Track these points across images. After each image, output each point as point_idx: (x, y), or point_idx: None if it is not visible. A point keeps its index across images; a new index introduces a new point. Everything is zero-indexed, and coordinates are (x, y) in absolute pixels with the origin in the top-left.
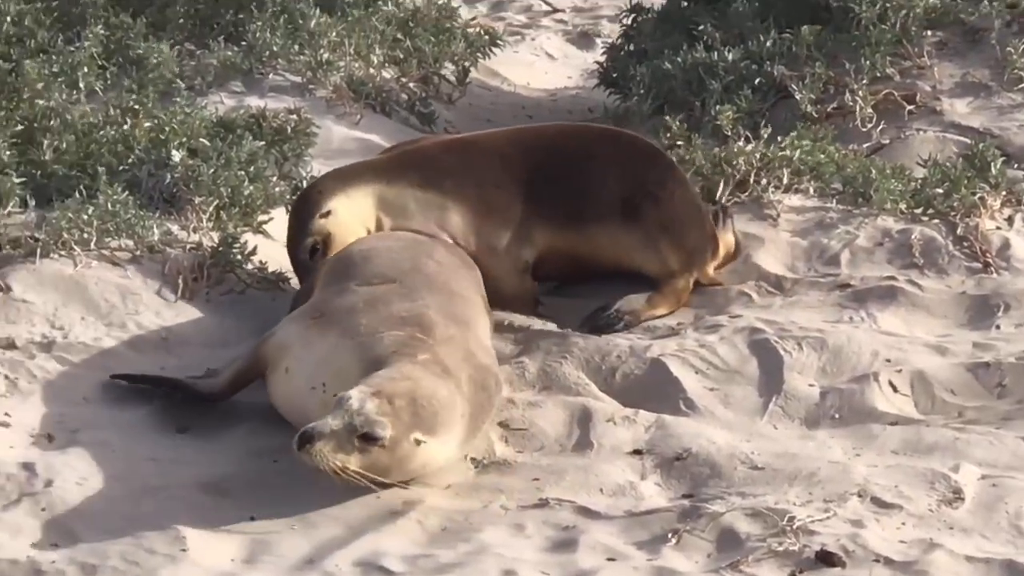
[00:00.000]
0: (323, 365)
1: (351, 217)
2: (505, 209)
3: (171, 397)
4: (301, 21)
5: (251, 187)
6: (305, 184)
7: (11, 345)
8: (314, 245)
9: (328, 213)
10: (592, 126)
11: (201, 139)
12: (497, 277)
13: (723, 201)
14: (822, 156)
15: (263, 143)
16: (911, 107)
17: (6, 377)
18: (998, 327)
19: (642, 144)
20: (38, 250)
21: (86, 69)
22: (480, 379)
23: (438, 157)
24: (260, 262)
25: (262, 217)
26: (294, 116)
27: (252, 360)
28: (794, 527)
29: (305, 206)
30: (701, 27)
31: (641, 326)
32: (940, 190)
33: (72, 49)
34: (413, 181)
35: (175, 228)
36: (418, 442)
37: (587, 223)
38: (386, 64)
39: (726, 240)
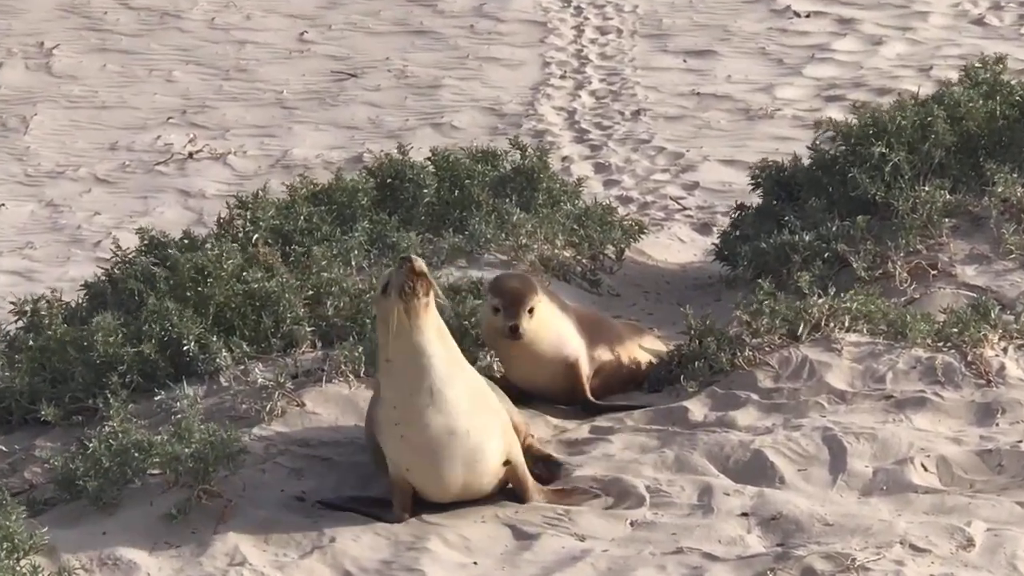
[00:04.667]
0: None
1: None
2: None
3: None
4: (506, 217)
5: (474, 331)
6: None
7: (306, 443)
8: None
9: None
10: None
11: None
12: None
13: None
14: (872, 307)
15: (480, 302)
16: (934, 272)
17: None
18: (997, 424)
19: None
20: (324, 377)
21: (356, 252)
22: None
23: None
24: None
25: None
26: None
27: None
28: (855, 566)
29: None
30: (786, 218)
31: (742, 426)
32: (955, 329)
33: (346, 238)
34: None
35: None
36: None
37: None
38: (566, 246)
39: None
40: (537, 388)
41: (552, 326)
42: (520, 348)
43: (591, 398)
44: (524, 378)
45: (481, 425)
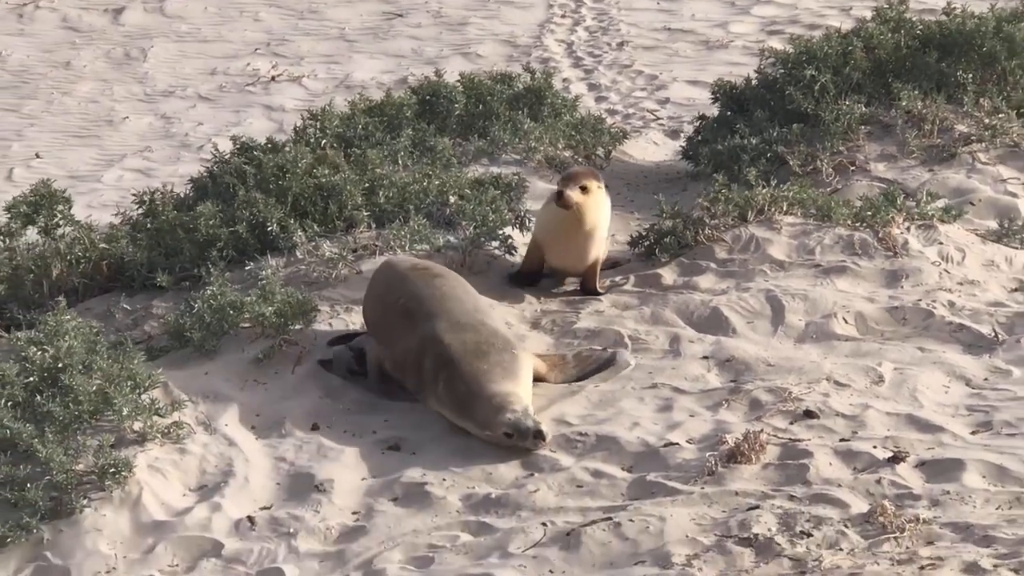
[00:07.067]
0: None
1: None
2: None
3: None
4: (519, 125)
5: (493, 215)
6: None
7: (357, 302)
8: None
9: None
10: None
11: (465, 190)
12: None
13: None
14: (805, 195)
15: (499, 191)
16: (853, 168)
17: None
18: (902, 287)
19: None
20: (377, 251)
21: (402, 153)
22: None
23: None
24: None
25: (500, 232)
26: (516, 176)
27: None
28: (791, 397)
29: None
30: (738, 126)
31: (703, 288)
32: (869, 213)
33: (395, 142)
34: None
35: (451, 239)
36: None
37: None
38: (566, 148)
39: None
40: (565, 271)
41: (597, 212)
42: (567, 222)
43: (599, 289)
44: (561, 260)
45: None
